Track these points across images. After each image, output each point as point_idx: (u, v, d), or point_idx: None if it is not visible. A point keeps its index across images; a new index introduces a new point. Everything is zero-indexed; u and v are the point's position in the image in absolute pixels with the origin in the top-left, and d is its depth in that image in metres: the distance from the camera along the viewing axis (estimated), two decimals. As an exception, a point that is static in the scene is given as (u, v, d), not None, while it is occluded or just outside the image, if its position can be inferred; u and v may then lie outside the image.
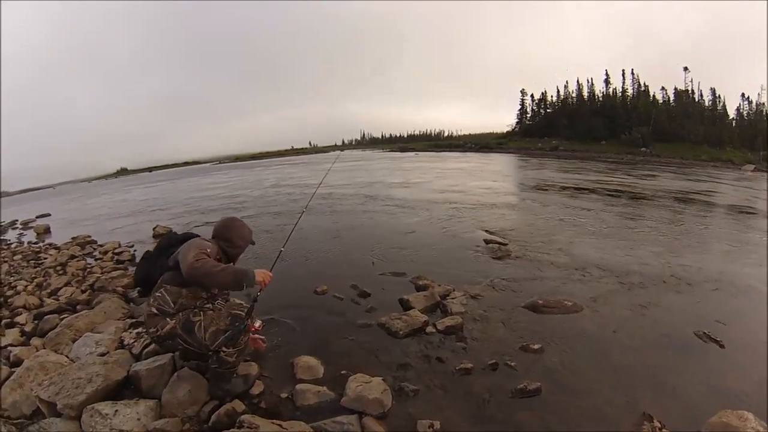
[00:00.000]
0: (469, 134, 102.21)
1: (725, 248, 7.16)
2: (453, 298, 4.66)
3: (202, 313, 2.78)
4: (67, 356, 3.63)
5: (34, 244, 10.62)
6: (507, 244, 6.84)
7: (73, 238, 9.82)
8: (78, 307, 4.99)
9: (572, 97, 66.89)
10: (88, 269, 6.88)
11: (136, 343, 3.65)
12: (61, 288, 5.91)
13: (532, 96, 70.91)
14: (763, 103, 57.87)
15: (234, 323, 2.79)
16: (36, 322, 4.64)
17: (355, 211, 10.74)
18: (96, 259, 7.62)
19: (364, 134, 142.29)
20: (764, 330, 4.03)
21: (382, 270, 5.74)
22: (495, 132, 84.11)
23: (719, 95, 60.31)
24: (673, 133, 53.29)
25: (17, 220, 16.46)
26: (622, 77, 64.52)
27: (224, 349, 2.80)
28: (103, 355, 3.48)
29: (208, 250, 2.77)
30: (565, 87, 67.90)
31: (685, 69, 60.61)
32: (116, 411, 2.68)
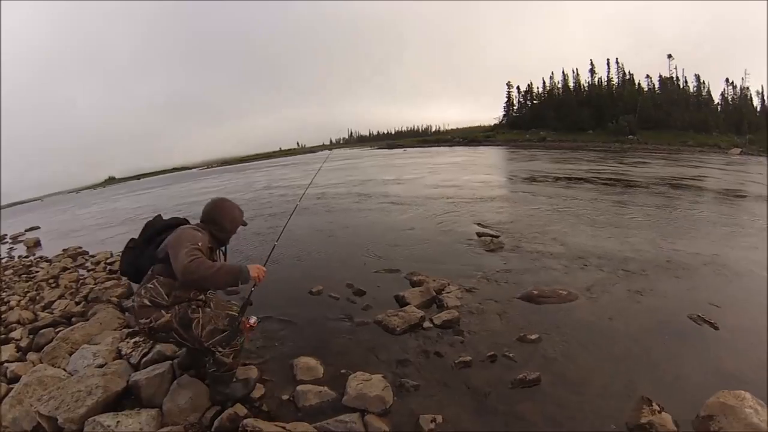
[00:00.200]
0: (457, 128, 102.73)
1: (718, 232, 7.24)
2: (448, 293, 4.68)
3: (200, 310, 2.76)
4: (64, 369, 3.61)
5: (24, 258, 10.50)
6: (499, 237, 6.89)
7: (64, 250, 9.72)
8: (73, 319, 4.96)
9: (558, 88, 67.34)
10: (81, 281, 6.82)
11: (134, 353, 3.63)
12: (54, 301, 5.86)
13: (518, 88, 71.44)
14: (747, 87, 58.74)
15: (232, 324, 2.79)
16: (31, 336, 4.60)
17: (348, 209, 10.75)
18: (88, 270, 7.55)
19: (351, 133, 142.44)
20: (757, 311, 4.10)
21: (376, 267, 5.75)
22: (483, 125, 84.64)
23: (704, 81, 61.14)
24: (659, 120, 53.91)
25: (6, 235, 16.29)
26: (607, 66, 65.13)
27: (219, 349, 2.79)
28: (101, 366, 3.46)
29: (200, 244, 2.65)
30: (551, 78, 68.43)
31: (669, 56, 61.24)
32: (118, 422, 2.67)
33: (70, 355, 3.87)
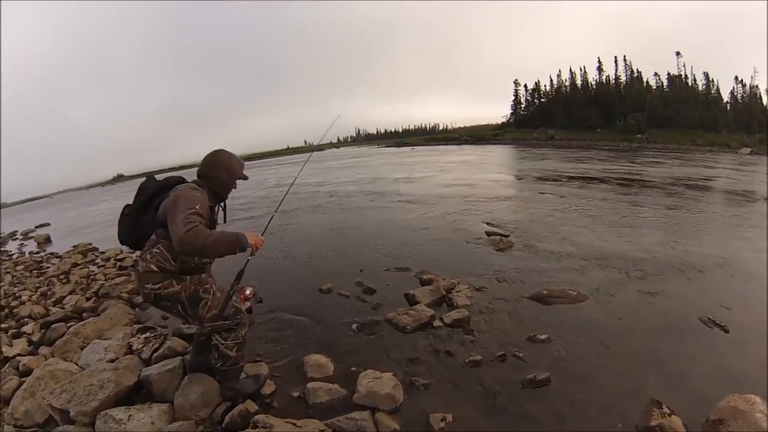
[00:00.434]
0: (465, 127, 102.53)
1: (731, 233, 7.16)
2: (458, 292, 4.67)
3: (211, 292, 2.75)
4: (76, 363, 3.63)
5: (35, 254, 10.62)
6: (509, 236, 6.86)
7: (75, 246, 9.82)
8: (84, 314, 5.02)
9: (566, 86, 66.92)
10: (92, 276, 6.88)
11: (144, 348, 3.65)
12: (65, 296, 5.92)
13: (525, 86, 70.97)
14: (757, 86, 58.09)
15: (236, 316, 2.80)
16: (43, 331, 4.65)
17: (359, 207, 10.75)
18: (99, 267, 7.62)
19: (359, 131, 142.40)
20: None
21: (386, 266, 5.74)
22: (490, 124, 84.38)
23: (713, 79, 60.49)
24: (667, 119, 53.39)
25: (17, 231, 16.47)
26: (614, 64, 64.62)
27: (222, 341, 2.79)
28: (112, 361, 3.48)
29: (197, 207, 2.49)
30: (558, 76, 67.98)
31: (678, 54, 60.69)
32: (130, 416, 2.69)
33: (82, 349, 3.90)
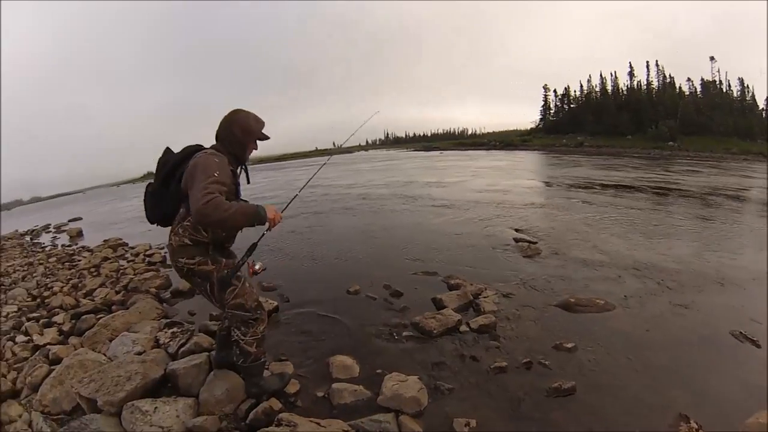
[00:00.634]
0: (493, 132, 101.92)
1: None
2: (485, 297, 4.61)
3: (241, 281, 2.74)
4: (104, 354, 3.69)
5: (67, 246, 10.89)
6: (536, 243, 6.75)
7: (105, 241, 10.02)
8: (113, 307, 5.10)
9: (596, 92, 65.84)
10: (121, 271, 7.01)
11: (171, 343, 3.69)
12: (96, 289, 6.03)
13: (555, 92, 70.16)
14: (794, 94, 56.16)
15: (257, 310, 2.80)
16: (73, 321, 4.75)
17: (389, 210, 10.73)
18: (128, 261, 7.75)
19: (387, 134, 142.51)
20: None
21: (414, 270, 5.70)
22: (518, 129, 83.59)
23: (747, 85, 58.70)
24: (701, 126, 52.09)
25: (50, 224, 16.93)
26: (646, 69, 63.41)
27: (242, 337, 2.79)
28: (139, 353, 3.53)
29: (216, 174, 2.43)
30: (588, 81, 67.00)
31: (712, 59, 59.18)
32: (156, 408, 2.71)
33: (110, 341, 3.96)
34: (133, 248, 8.85)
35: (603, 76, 65.81)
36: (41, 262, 8.88)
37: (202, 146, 2.75)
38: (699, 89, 60.06)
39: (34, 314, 5.26)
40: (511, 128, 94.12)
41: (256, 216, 2.47)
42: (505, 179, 16.91)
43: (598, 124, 58.07)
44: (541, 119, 72.03)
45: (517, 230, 7.75)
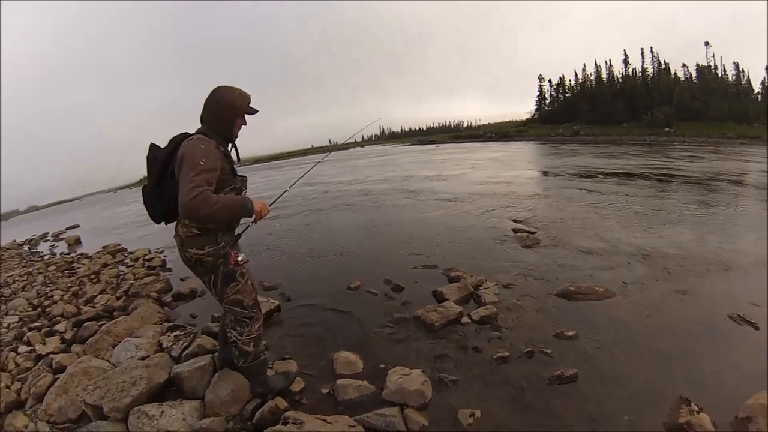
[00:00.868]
0: (489, 124, 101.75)
1: None
2: (486, 288, 4.62)
3: (245, 279, 2.74)
4: (108, 361, 3.70)
5: (66, 254, 10.87)
6: (535, 233, 6.76)
7: (104, 247, 10.00)
8: (114, 313, 5.10)
9: (591, 80, 65.63)
10: (121, 276, 7.01)
11: (174, 346, 3.69)
12: (96, 296, 6.03)
13: (549, 81, 69.87)
14: (790, 76, 56.16)
15: (253, 309, 2.81)
16: (75, 329, 4.74)
17: (390, 206, 10.72)
18: (128, 267, 7.75)
19: (383, 129, 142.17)
20: None
21: (414, 263, 5.71)
22: (514, 120, 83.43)
23: (743, 69, 58.61)
24: (696, 111, 51.99)
25: (48, 233, 16.90)
26: (641, 56, 63.08)
27: (238, 337, 2.79)
28: (143, 358, 3.53)
29: (203, 161, 2.35)
30: (583, 70, 66.72)
31: (707, 44, 59.08)
32: (162, 412, 2.72)
33: (113, 347, 3.96)
34: (132, 253, 8.84)
35: (597, 64, 65.68)
36: (40, 271, 8.86)
37: (188, 133, 2.64)
38: (694, 75, 59.95)
39: (36, 324, 5.26)
40: (507, 119, 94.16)
41: (243, 209, 2.45)
42: (505, 171, 16.84)
43: (593, 112, 57.87)
44: (536, 109, 71.69)
45: (516, 221, 7.76)
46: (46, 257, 11.24)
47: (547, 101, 70.60)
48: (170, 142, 2.63)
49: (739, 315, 3.83)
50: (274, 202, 3.05)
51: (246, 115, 2.74)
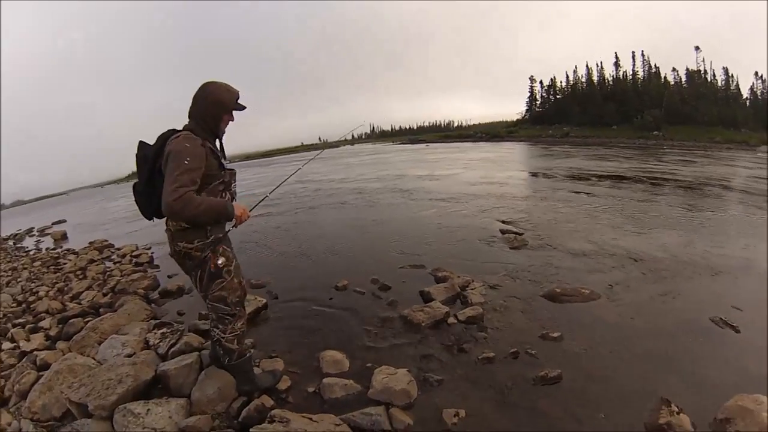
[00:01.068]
0: (479, 123, 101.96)
1: (753, 235, 6.96)
2: (472, 289, 4.66)
3: (231, 276, 2.74)
4: (93, 358, 3.66)
5: (52, 250, 10.77)
6: (523, 234, 6.81)
7: (91, 243, 9.91)
8: (101, 310, 5.05)
9: (582, 83, 66.09)
10: (108, 273, 6.95)
11: (161, 344, 3.67)
12: (82, 292, 5.98)
13: (541, 82, 70.27)
14: (778, 81, 56.87)
15: (236, 306, 2.81)
16: (60, 326, 4.69)
17: (383, 204, 10.74)
18: (115, 263, 7.70)
19: (374, 128, 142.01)
20: None
21: (402, 263, 5.74)
22: (505, 120, 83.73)
23: (732, 74, 59.25)
24: (686, 116, 52.48)
25: (34, 228, 16.72)
26: (632, 60, 63.60)
27: (222, 335, 2.80)
28: (129, 356, 3.51)
29: (187, 160, 2.38)
30: (575, 72, 67.18)
31: (697, 48, 59.63)
32: (148, 410, 2.71)
33: (99, 344, 3.92)
34: (119, 249, 8.78)
35: (589, 66, 66.15)
36: (25, 266, 8.78)
37: (175, 130, 2.64)
38: (684, 79, 60.51)
39: (20, 320, 5.19)
40: (498, 119, 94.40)
41: (224, 212, 2.50)
42: (497, 171, 16.93)
43: (583, 114, 58.25)
44: (527, 110, 72.15)
45: (504, 222, 7.82)
46: (31, 252, 11.14)
47: (538, 102, 70.98)
48: (158, 139, 2.63)
49: (721, 318, 3.90)
50: (254, 207, 3.08)
51: (234, 112, 2.75)
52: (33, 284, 7.05)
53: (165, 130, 2.67)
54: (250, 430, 2.60)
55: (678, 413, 2.58)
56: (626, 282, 4.88)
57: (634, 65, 63.47)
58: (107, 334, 4.09)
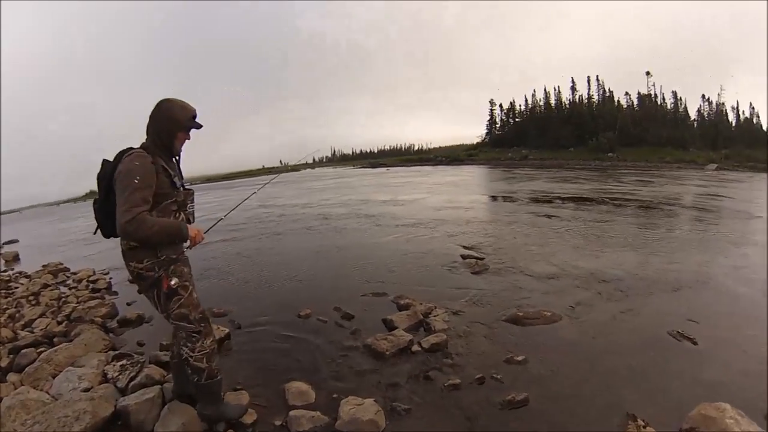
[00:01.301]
0: (440, 147, 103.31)
1: (706, 250, 7.46)
2: (435, 316, 4.72)
3: (188, 290, 2.71)
4: (48, 393, 3.51)
5: (2, 272, 10.28)
6: (484, 259, 6.96)
7: (45, 266, 9.48)
8: (55, 339, 4.84)
9: (540, 106, 68.25)
10: (63, 299, 6.69)
11: (120, 376, 3.57)
12: (35, 319, 5.72)
13: (500, 106, 72.16)
14: (723, 103, 60.35)
15: (200, 323, 2.75)
16: (11, 356, 4.47)
17: (348, 230, 10.76)
18: (70, 288, 7.41)
19: (335, 151, 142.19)
20: (732, 325, 4.34)
21: (364, 291, 5.77)
22: (465, 144, 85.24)
23: (680, 97, 62.49)
24: (637, 137, 54.88)
25: (-18, 248, 15.93)
26: (587, 84, 66.14)
27: (190, 354, 2.73)
28: (87, 390, 3.38)
29: (137, 179, 2.39)
30: (533, 96, 69.35)
31: (647, 73, 62.58)
32: (108, 449, 2.64)
33: (54, 377, 3.76)
34: (75, 274, 8.45)
35: (547, 90, 68.44)
36: (-27, 291, 8.36)
37: (131, 148, 2.61)
38: (636, 102, 63.34)
39: (-32, 350, 4.95)
40: (457, 143, 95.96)
41: (178, 234, 2.52)
42: (461, 195, 17.28)
43: (541, 137, 60.01)
44: (487, 133, 73.86)
45: (466, 247, 7.96)
46: (-21, 276, 10.60)
47: (497, 125, 72.79)
48: (116, 156, 2.61)
49: (678, 332, 4.13)
50: (209, 230, 3.06)
51: (191, 130, 2.77)
52: (-19, 311, 6.71)
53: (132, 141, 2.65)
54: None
55: (644, 427, 2.70)
56: (587, 302, 5.06)
57: (589, 89, 66.07)
58: (62, 366, 3.92)
